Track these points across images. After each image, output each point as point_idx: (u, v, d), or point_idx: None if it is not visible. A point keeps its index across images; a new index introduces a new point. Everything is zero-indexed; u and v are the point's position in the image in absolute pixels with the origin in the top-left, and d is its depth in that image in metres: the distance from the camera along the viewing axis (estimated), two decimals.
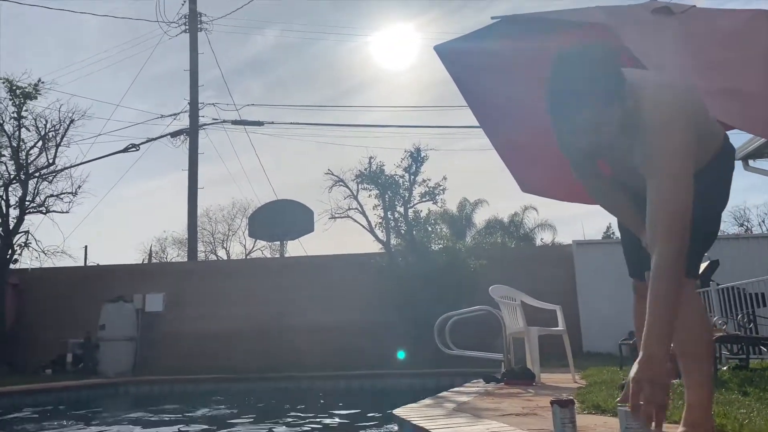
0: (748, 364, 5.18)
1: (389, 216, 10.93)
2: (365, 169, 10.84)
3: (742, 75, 2.84)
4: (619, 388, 3.81)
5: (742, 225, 24.28)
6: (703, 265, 6.38)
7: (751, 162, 7.83)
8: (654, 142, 1.79)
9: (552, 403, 1.78)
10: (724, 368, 4.96)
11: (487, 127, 4.06)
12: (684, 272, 1.75)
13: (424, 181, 10.88)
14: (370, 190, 10.91)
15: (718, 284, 6.92)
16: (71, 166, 11.93)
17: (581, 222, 44.22)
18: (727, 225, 23.84)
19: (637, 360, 1.63)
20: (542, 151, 3.95)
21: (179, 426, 4.85)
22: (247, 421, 5.23)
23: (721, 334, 5.17)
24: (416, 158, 10.87)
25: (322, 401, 6.85)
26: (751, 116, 3.08)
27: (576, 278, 10.65)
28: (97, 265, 14.07)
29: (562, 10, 3.47)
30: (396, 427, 3.38)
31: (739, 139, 7.97)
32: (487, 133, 4.07)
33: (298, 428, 4.63)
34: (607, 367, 6.37)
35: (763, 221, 24.44)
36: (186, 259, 19.14)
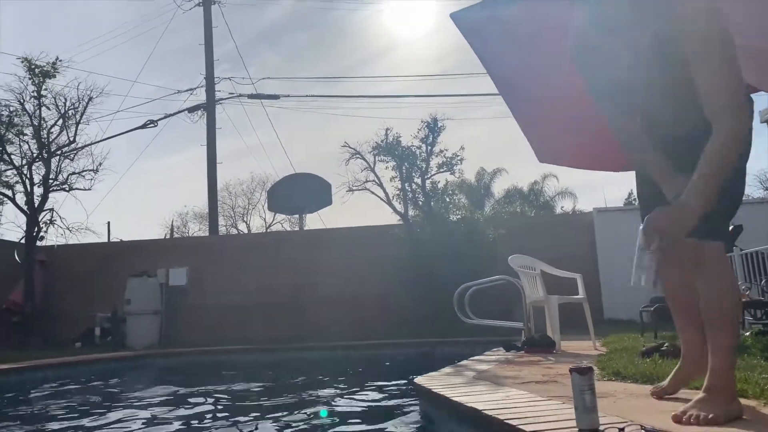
0: None
1: (407, 187, 10.90)
2: (382, 141, 10.79)
3: (764, 33, 2.75)
4: (639, 355, 3.81)
5: (767, 189, 23.81)
6: None
7: None
8: (694, 16, 1.84)
9: (571, 370, 1.79)
10: (747, 333, 4.93)
11: (506, 94, 4.00)
12: (738, 152, 1.83)
13: (441, 151, 10.80)
14: (387, 162, 10.87)
15: (741, 249, 6.83)
16: (91, 144, 12.08)
17: (602, 189, 43.71)
18: (752, 189, 23.41)
19: (664, 209, 1.77)
20: (562, 119, 3.90)
21: (206, 398, 4.98)
22: (271, 390, 5.34)
23: (744, 299, 5.13)
24: (433, 128, 10.78)
25: (346, 371, 6.96)
26: None
27: (597, 246, 10.58)
28: (121, 240, 14.30)
29: None
30: (417, 395, 3.43)
31: (764, 101, 7.77)
32: (507, 100, 4.01)
33: (320, 397, 4.72)
34: (628, 334, 6.36)
35: None
36: (207, 234, 19.36)
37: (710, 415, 1.78)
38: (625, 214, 11.06)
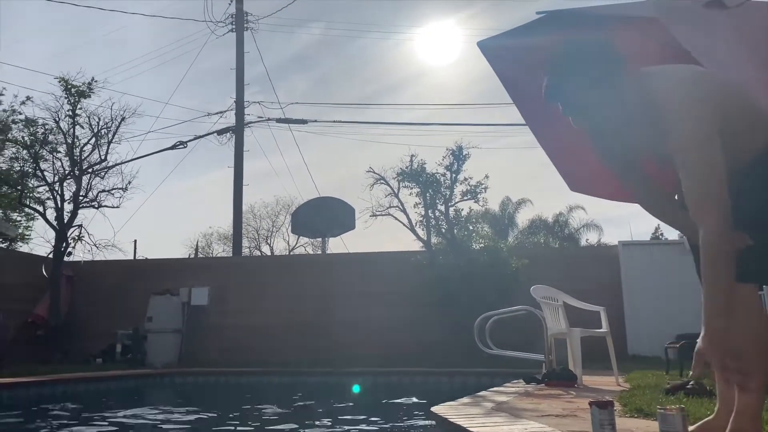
0: None
1: (430, 214, 10.89)
2: (406, 167, 10.83)
3: None
4: (663, 392, 3.71)
5: None
6: None
7: None
8: (670, 122, 1.82)
9: (591, 404, 1.75)
10: None
11: (533, 124, 4.00)
12: (729, 245, 1.75)
13: (465, 179, 10.80)
14: (411, 188, 10.89)
15: None
16: (122, 163, 12.31)
17: (628, 222, 43.22)
18: None
19: (700, 337, 1.73)
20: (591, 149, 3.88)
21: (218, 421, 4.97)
22: (288, 413, 5.31)
23: None
24: (458, 156, 10.80)
25: (362, 396, 6.90)
26: None
27: (621, 279, 10.40)
28: (146, 258, 14.49)
29: (610, 5, 3.40)
30: (434, 425, 3.38)
31: None
32: (534, 130, 4.00)
33: (338, 423, 4.67)
34: (652, 371, 6.21)
35: None
36: (231, 255, 19.53)
37: None
38: (651, 249, 10.89)
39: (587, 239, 22.42)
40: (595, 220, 22.72)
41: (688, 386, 3.70)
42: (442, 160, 10.85)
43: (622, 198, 4.29)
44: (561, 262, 10.82)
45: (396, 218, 11.06)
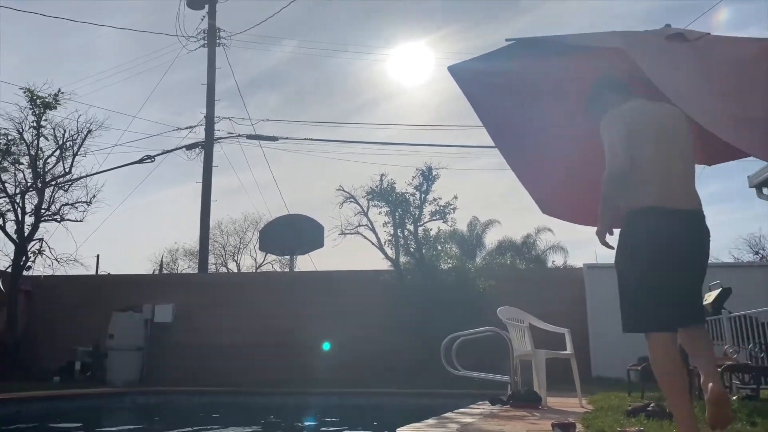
0: (758, 395, 5.11)
1: (399, 234, 10.93)
2: (376, 187, 10.87)
3: (752, 102, 2.84)
4: (625, 414, 3.77)
5: (757, 253, 23.91)
6: (714, 293, 6.31)
7: (765, 190, 7.80)
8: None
9: (553, 426, 1.77)
10: (734, 398, 4.89)
11: (502, 145, 4.06)
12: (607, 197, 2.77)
13: (434, 199, 10.88)
14: (381, 208, 10.92)
15: (730, 312, 6.83)
16: (87, 176, 12.05)
17: (594, 245, 43.86)
18: (743, 252, 23.53)
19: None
20: (562, 172, 3.95)
21: None
22: None
23: (731, 362, 5.11)
24: (427, 177, 10.88)
25: (328, 417, 6.82)
26: (762, 142, 3.07)
27: (586, 302, 10.55)
28: (108, 274, 14.16)
29: (578, 35, 3.50)
30: None
31: (753, 166, 7.95)
32: (503, 152, 4.06)
33: None
34: (615, 393, 6.29)
35: None
36: (197, 271, 19.22)
37: None
38: (615, 272, 11.06)
39: (553, 261, 22.69)
40: (561, 242, 23.02)
41: (649, 408, 3.76)
42: (412, 180, 10.93)
43: (590, 222, 4.37)
44: (527, 284, 10.93)
45: (365, 237, 11.06)
